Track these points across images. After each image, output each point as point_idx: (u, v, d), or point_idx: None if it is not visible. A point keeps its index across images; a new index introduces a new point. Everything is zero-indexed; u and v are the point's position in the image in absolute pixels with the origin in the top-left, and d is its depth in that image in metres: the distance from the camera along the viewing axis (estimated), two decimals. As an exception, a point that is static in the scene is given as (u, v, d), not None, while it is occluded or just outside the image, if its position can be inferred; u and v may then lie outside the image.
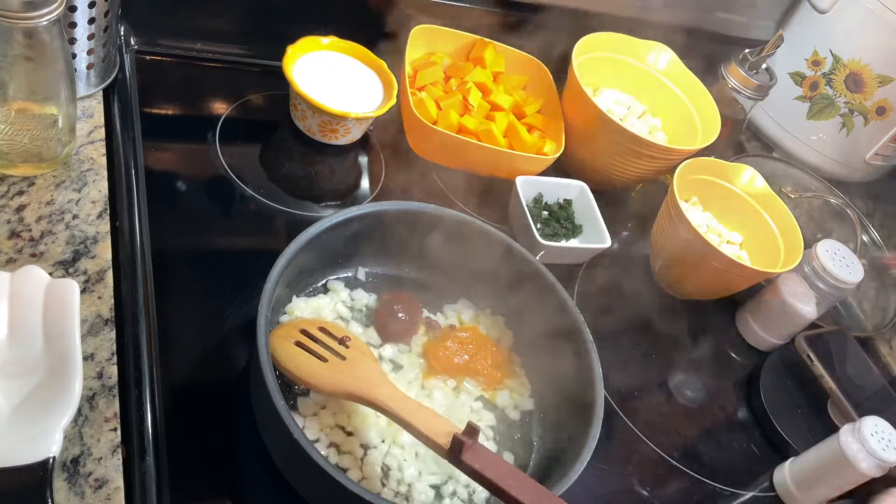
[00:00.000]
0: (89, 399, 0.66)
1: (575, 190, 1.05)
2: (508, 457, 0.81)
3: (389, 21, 1.08)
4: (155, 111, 0.98)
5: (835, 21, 1.23)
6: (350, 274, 0.88)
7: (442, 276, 0.90)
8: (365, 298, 0.86)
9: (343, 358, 0.75)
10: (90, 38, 0.84)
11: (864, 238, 1.25)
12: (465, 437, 0.64)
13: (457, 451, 0.65)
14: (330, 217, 0.79)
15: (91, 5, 0.82)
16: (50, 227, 0.76)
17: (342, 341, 0.76)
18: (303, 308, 0.83)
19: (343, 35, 1.01)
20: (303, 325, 0.77)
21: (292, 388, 0.77)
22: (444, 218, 0.85)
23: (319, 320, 0.80)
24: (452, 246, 0.86)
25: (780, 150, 1.35)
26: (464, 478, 0.76)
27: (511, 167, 1.02)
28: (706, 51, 1.20)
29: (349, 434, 0.76)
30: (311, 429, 0.75)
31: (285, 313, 0.82)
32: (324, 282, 0.86)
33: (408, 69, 1.02)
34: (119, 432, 0.65)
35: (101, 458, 0.63)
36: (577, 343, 0.81)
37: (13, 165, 0.78)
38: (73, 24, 0.82)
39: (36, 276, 0.65)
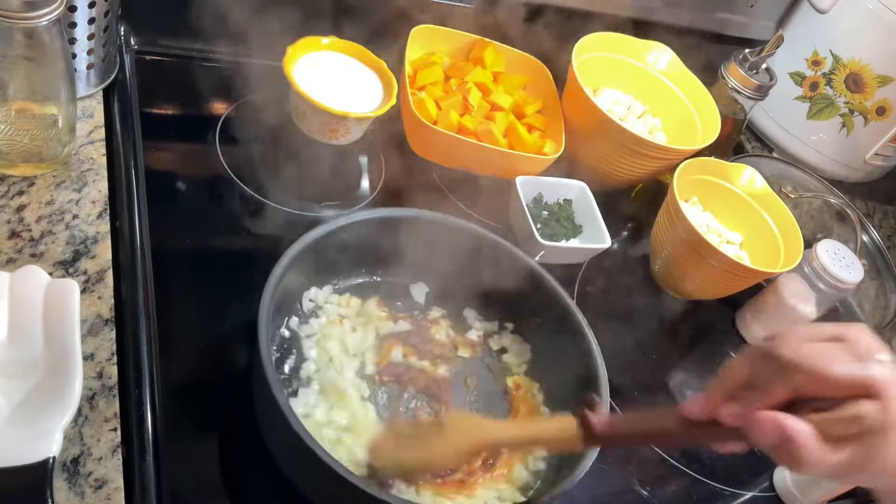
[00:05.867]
0: (89, 399, 0.66)
1: (575, 190, 1.05)
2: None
3: (389, 21, 1.07)
4: (155, 111, 0.98)
5: (835, 21, 1.23)
6: (351, 278, 0.88)
7: (446, 281, 0.89)
8: (364, 302, 0.86)
9: (441, 427, 0.72)
10: (90, 38, 0.84)
11: (864, 238, 1.25)
12: (589, 413, 0.64)
13: (588, 429, 0.64)
14: (335, 220, 0.79)
15: (91, 5, 0.82)
16: (50, 227, 0.76)
17: (433, 419, 0.77)
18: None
19: (343, 35, 1.01)
20: (392, 429, 0.75)
21: (291, 386, 0.76)
22: (453, 227, 0.85)
23: (401, 422, 0.78)
24: (456, 255, 0.86)
25: (780, 150, 1.35)
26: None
27: (511, 167, 1.02)
28: (706, 51, 1.20)
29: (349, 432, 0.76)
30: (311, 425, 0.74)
31: (288, 313, 0.81)
32: (326, 284, 0.86)
33: (408, 69, 1.01)
34: (119, 432, 0.65)
35: (101, 458, 0.63)
36: (579, 344, 0.81)
37: (13, 165, 0.78)
38: (73, 24, 0.82)
39: (36, 276, 0.65)
